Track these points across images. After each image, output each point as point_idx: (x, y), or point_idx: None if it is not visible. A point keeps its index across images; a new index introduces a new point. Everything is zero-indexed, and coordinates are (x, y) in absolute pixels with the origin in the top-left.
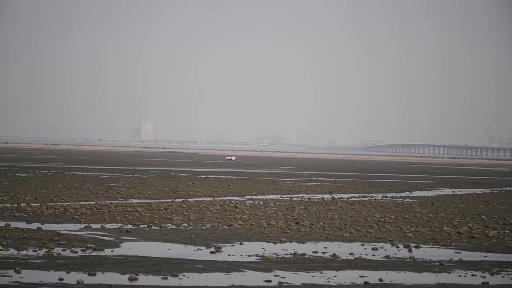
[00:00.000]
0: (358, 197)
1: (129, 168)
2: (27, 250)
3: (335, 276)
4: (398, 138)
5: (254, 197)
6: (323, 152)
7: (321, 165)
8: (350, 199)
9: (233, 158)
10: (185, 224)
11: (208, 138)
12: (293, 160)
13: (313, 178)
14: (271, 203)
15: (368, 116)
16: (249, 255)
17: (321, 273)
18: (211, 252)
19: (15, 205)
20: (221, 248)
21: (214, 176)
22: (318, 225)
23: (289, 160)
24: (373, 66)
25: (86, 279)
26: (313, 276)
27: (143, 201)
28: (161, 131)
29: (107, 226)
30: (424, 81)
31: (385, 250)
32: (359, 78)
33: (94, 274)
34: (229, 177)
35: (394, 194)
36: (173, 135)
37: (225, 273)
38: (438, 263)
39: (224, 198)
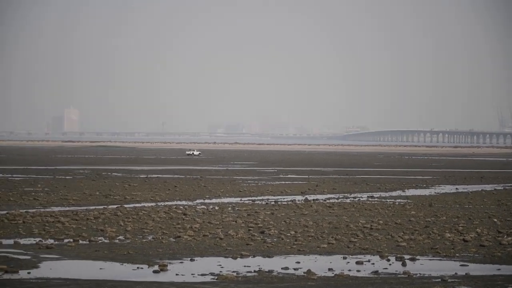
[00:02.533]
0: (337, 198)
1: (48, 167)
2: None
3: None
4: (386, 124)
5: (207, 201)
6: (292, 143)
7: (291, 159)
8: (327, 201)
9: (195, 152)
10: (121, 237)
11: (148, 129)
12: (255, 153)
13: (281, 176)
14: (229, 208)
15: (348, 98)
16: (202, 274)
17: None
18: (155, 272)
19: None
20: (166, 266)
21: (156, 175)
22: (289, 234)
23: (250, 154)
24: (353, 35)
25: None
26: None
27: (67, 209)
28: (89, 120)
29: (22, 241)
30: (416, 52)
31: (373, 264)
32: (335, 51)
33: None
34: (176, 176)
35: (383, 194)
36: (104, 125)
37: None
38: (439, 279)
39: (170, 203)
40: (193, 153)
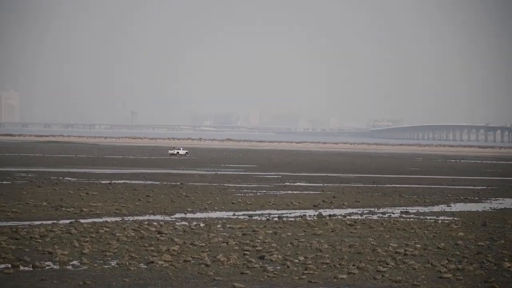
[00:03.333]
0: (361, 214)
1: None
2: None
3: None
4: (426, 117)
5: (189, 215)
6: (303, 141)
7: (301, 162)
8: (348, 217)
9: (181, 151)
10: (75, 262)
11: (113, 120)
12: (253, 153)
13: (287, 184)
14: (218, 226)
15: (376, 83)
16: None
17: None
18: None
19: None
20: None
21: (123, 181)
22: (296, 260)
23: (247, 154)
24: (383, 13)
25: None
26: None
27: (4, 224)
28: (33, 108)
29: None
30: (459, 32)
31: None
32: (361, 29)
33: None
34: (149, 183)
35: (421, 209)
36: (54, 114)
37: None
38: None
39: (141, 218)
40: (177, 152)
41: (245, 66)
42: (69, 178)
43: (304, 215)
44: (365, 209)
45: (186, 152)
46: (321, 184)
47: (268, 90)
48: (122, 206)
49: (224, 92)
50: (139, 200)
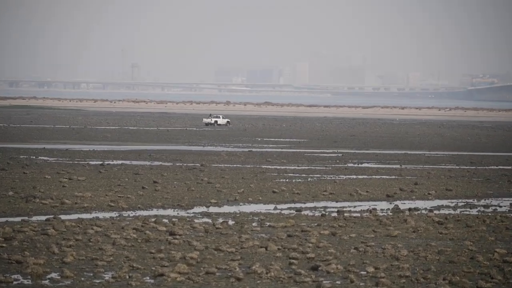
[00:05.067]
0: (454, 208)
1: None
2: None
3: None
4: None
5: (214, 209)
6: (371, 105)
7: (369, 135)
8: (435, 211)
9: (221, 120)
10: (54, 275)
11: (107, 76)
12: (302, 122)
13: (350, 165)
14: (254, 223)
15: (473, 26)
16: None
17: None
18: None
19: None
20: None
21: (120, 162)
22: (363, 272)
23: (294, 124)
24: None
25: None
26: None
27: None
28: None
29: None
30: None
31: None
32: None
33: None
34: (156, 164)
35: None
36: (24, 69)
37: None
38: None
39: (146, 213)
40: (216, 121)
41: (289, 3)
42: (45, 158)
43: (374, 209)
44: (460, 200)
45: (228, 122)
46: (398, 166)
47: (321, 36)
48: (120, 196)
49: (261, 39)
50: (143, 188)
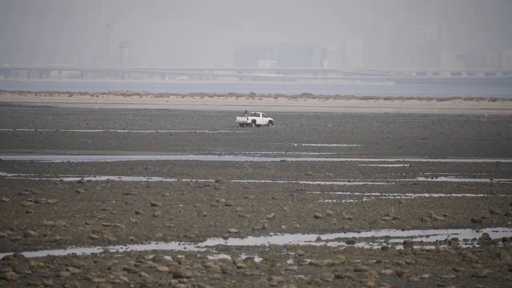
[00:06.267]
0: None
1: None
2: None
3: None
4: None
5: (234, 241)
6: (449, 97)
7: (447, 137)
8: None
9: (260, 119)
10: None
11: (88, 61)
12: (354, 120)
13: (421, 180)
14: (289, 260)
15: None
16: None
17: None
18: None
19: None
20: None
21: (105, 177)
22: None
23: (342, 122)
24: None
25: None
26: None
27: None
28: None
29: None
30: None
31: None
32: None
33: None
34: (152, 180)
35: None
36: None
37: None
38: None
39: (141, 248)
40: (253, 120)
41: None
42: (2, 173)
43: (455, 240)
44: None
45: (270, 121)
46: (488, 180)
47: (379, 2)
48: (105, 225)
49: (297, 9)
50: (136, 213)
